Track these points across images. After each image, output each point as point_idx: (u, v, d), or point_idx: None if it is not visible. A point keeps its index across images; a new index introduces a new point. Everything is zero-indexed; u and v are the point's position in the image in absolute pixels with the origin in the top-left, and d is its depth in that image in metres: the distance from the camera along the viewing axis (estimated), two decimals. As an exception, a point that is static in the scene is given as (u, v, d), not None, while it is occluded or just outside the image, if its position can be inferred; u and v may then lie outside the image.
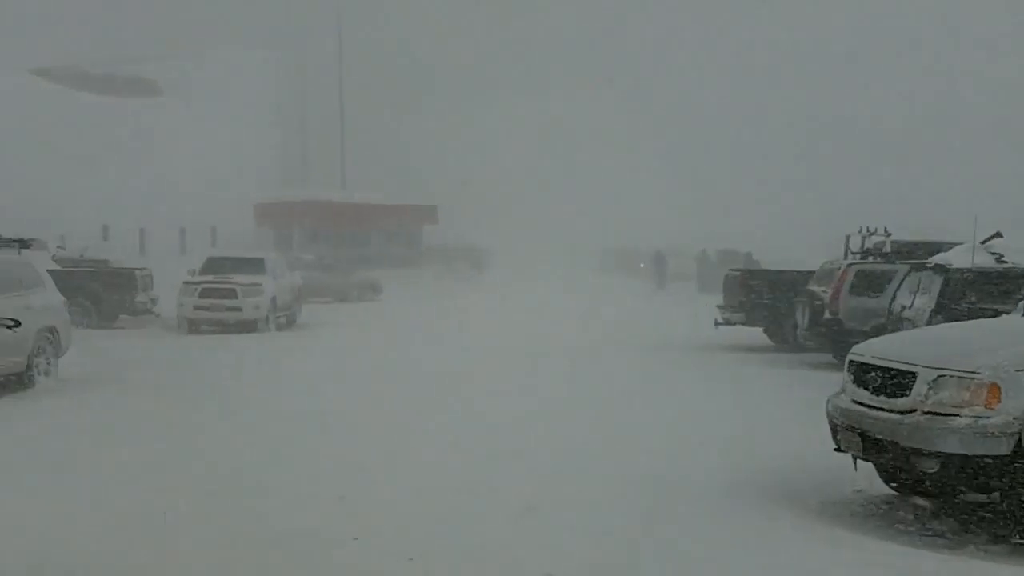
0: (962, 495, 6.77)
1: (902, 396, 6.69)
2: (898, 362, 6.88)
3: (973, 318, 10.92)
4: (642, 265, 45.84)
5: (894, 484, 7.56)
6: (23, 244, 12.47)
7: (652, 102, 65.79)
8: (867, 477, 7.63)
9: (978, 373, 6.32)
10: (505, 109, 64.24)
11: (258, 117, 54.78)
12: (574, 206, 56.26)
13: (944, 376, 6.48)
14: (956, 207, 30.01)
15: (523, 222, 52.21)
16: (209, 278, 21.26)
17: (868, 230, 18.06)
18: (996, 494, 6.40)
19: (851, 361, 7.46)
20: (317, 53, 59.14)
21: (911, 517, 7.04)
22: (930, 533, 6.69)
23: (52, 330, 12.27)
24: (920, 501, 7.25)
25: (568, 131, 64.41)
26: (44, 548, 5.92)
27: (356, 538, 6.13)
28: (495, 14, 66.62)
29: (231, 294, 20.69)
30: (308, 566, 5.70)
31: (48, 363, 12.32)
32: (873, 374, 7.05)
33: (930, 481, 6.71)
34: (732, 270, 21.96)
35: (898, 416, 6.63)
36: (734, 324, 19.35)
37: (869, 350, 7.43)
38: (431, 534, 6.31)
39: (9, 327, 11.03)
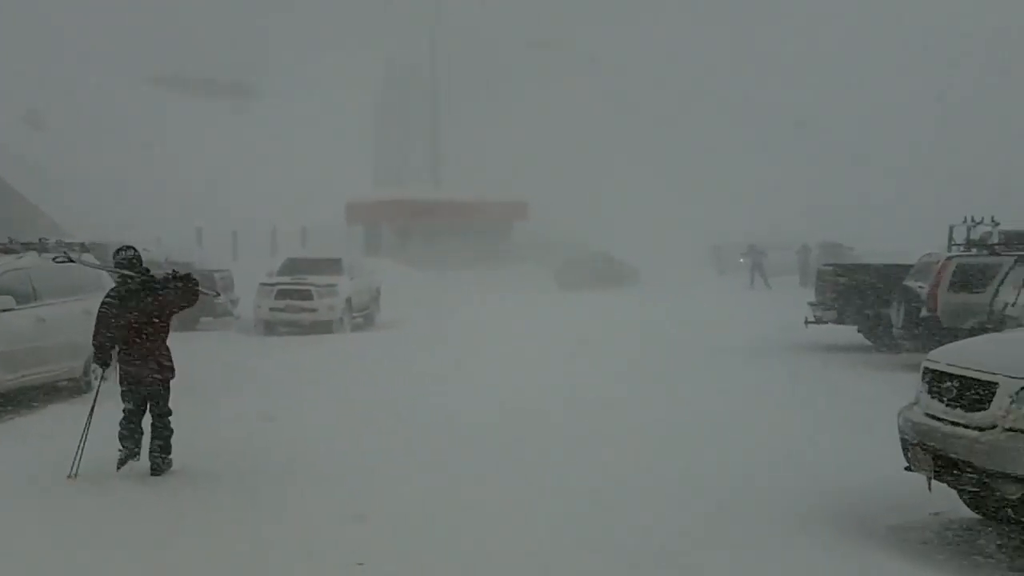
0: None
1: (980, 409, 5.84)
2: (977, 370, 6.01)
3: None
4: (741, 260, 44.53)
5: (978, 509, 6.66)
6: (83, 248, 12.42)
7: (755, 96, 63.53)
8: (949, 499, 6.75)
9: (1070, 385, 5.42)
10: (603, 102, 62.91)
11: (351, 118, 54.98)
12: (673, 203, 54.70)
13: (1030, 387, 5.59)
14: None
15: (620, 219, 51.03)
16: (286, 279, 21.13)
17: (973, 220, 16.71)
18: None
19: (926, 368, 6.59)
20: (410, 53, 59.13)
21: (992, 547, 6.14)
22: (1014, 569, 5.81)
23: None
24: (1006, 529, 6.35)
25: (669, 126, 62.73)
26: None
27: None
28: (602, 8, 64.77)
29: (306, 295, 20.49)
30: None
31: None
32: (949, 384, 6.19)
33: (1014, 509, 5.81)
34: (825, 265, 20.85)
35: (975, 433, 5.79)
36: (826, 323, 18.25)
37: (945, 356, 6.55)
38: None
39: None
